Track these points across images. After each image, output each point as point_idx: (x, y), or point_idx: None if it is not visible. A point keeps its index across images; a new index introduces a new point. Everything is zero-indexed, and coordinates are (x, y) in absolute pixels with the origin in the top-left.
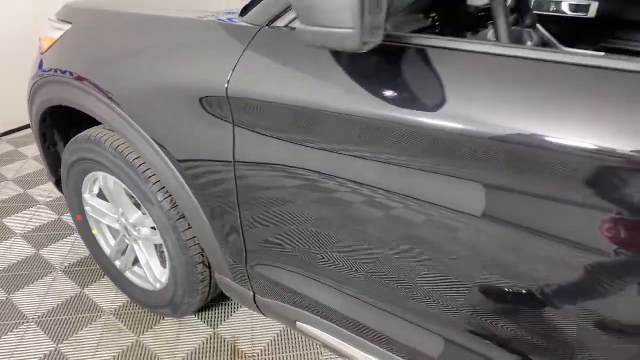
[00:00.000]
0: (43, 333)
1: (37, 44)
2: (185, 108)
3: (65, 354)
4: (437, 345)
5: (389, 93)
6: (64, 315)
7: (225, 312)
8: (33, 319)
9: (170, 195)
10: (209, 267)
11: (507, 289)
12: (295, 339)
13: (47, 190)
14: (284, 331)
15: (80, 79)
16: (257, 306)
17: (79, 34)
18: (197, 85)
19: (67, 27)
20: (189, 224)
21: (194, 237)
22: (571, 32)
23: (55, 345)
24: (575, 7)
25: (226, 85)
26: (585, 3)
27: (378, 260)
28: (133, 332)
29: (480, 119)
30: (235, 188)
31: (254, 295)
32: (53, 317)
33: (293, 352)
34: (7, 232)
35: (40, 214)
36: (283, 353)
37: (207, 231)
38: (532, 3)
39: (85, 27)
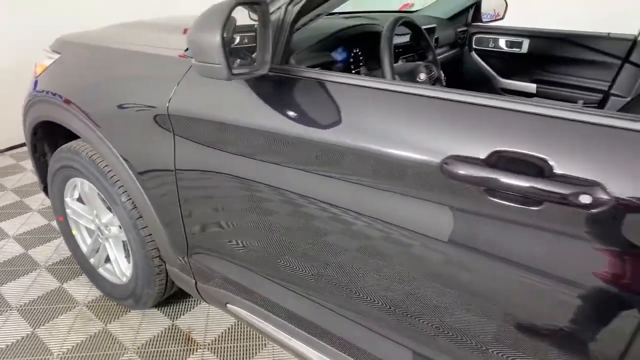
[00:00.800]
0: (23, 319)
1: (34, 69)
2: (143, 126)
3: (40, 337)
4: (358, 332)
5: (280, 112)
6: (42, 305)
7: (185, 307)
8: (15, 307)
9: (131, 198)
10: (164, 261)
11: (420, 288)
12: (243, 332)
13: (41, 199)
14: (235, 325)
15: (64, 100)
16: (198, 292)
17: (65, 62)
18: (151, 106)
19: (57, 56)
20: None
21: (150, 234)
22: (509, 65)
23: (32, 330)
24: (510, 43)
25: (167, 105)
26: (519, 40)
27: (292, 250)
28: (101, 321)
29: (338, 134)
30: (177, 190)
31: (196, 283)
32: (33, 306)
33: (239, 342)
34: (1, 234)
35: (32, 219)
36: (231, 343)
37: (159, 228)
38: (473, 40)
39: (70, 57)
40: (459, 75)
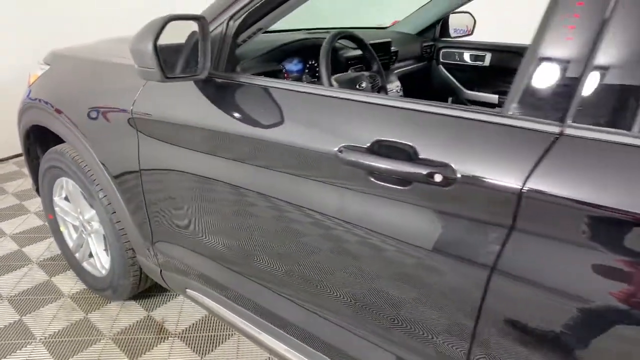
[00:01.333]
0: (11, 307)
1: (27, 79)
2: (114, 127)
3: (26, 323)
4: (304, 315)
5: (224, 113)
6: (30, 296)
7: (161, 300)
8: (6, 297)
9: (106, 195)
10: (135, 252)
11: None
12: (211, 323)
13: (38, 202)
14: (205, 317)
15: (51, 106)
16: (162, 279)
17: (53, 73)
18: (121, 109)
19: (47, 67)
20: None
21: (123, 228)
22: (473, 78)
23: (19, 317)
24: (474, 57)
25: (132, 107)
26: (482, 54)
27: (238, 237)
28: (83, 311)
29: (270, 131)
30: (141, 185)
31: (160, 271)
32: (22, 296)
33: (207, 332)
34: (0, 233)
35: (29, 220)
36: (199, 333)
37: (129, 221)
38: (440, 54)
39: (58, 68)
40: (427, 86)
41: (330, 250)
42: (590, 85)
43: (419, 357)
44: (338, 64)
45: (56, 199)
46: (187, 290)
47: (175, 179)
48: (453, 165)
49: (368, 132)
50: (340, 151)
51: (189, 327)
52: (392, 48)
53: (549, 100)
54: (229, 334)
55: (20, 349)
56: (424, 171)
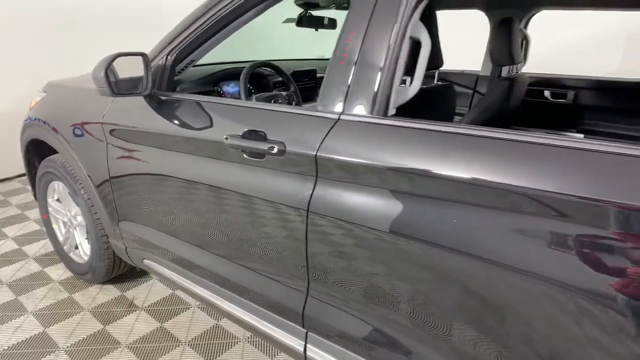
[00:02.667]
0: (10, 290)
1: (29, 104)
2: (90, 134)
3: (20, 301)
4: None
5: (163, 119)
6: (26, 282)
7: (134, 283)
8: (5, 283)
9: (86, 191)
10: (108, 236)
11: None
12: (174, 299)
13: (37, 212)
14: (170, 295)
15: (46, 123)
16: (127, 255)
17: (48, 98)
18: (94, 122)
19: (44, 94)
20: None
21: (99, 218)
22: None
23: (15, 297)
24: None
25: (102, 118)
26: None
27: (181, 212)
28: (68, 292)
29: (196, 130)
30: (109, 179)
31: (125, 248)
32: (19, 282)
33: (169, 306)
34: (2, 236)
35: (28, 226)
36: (162, 307)
37: (102, 210)
38: None
39: (52, 94)
40: None
41: (226, 210)
42: (353, 89)
43: (280, 293)
44: (267, 87)
45: (49, 200)
46: (144, 260)
47: (132, 169)
48: (285, 143)
49: (243, 125)
50: (227, 138)
51: (155, 302)
52: (319, 74)
53: (333, 98)
54: (186, 307)
55: (14, 319)
56: (267, 146)
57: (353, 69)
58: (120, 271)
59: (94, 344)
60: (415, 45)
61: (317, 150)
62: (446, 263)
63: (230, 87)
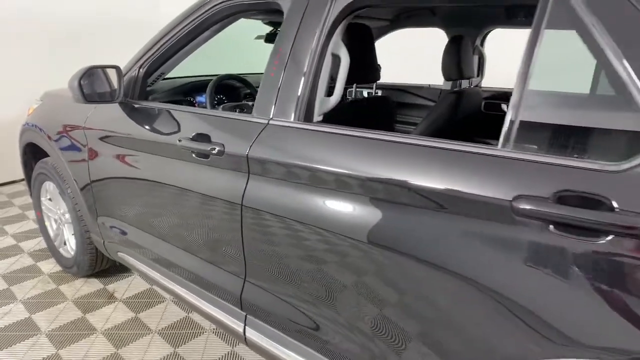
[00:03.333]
0: (3, 280)
1: (27, 111)
2: (72, 138)
3: (12, 290)
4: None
5: (134, 123)
6: (19, 274)
7: (116, 278)
8: (0, 275)
9: (71, 190)
10: (89, 231)
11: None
12: (151, 293)
13: None
14: (147, 290)
15: (40, 129)
16: (105, 248)
17: (43, 106)
18: (77, 125)
19: (40, 102)
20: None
21: (82, 215)
22: None
23: (7, 286)
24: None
25: (84, 123)
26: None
27: (152, 208)
28: (56, 284)
29: (160, 134)
30: (89, 176)
31: (104, 241)
32: (12, 274)
33: (146, 299)
34: (2, 233)
35: (27, 224)
36: (140, 299)
37: (84, 207)
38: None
39: (47, 103)
40: None
41: (179, 205)
42: (280, 99)
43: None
44: (238, 97)
45: (43, 199)
46: (119, 253)
47: (107, 168)
48: (224, 144)
49: (194, 130)
50: (180, 140)
51: (132, 295)
52: None
53: (265, 106)
54: (161, 300)
55: (4, 306)
56: (209, 147)
57: (281, 81)
58: (104, 266)
59: (72, 329)
60: (337, 61)
61: (249, 151)
62: (355, 250)
63: (201, 97)
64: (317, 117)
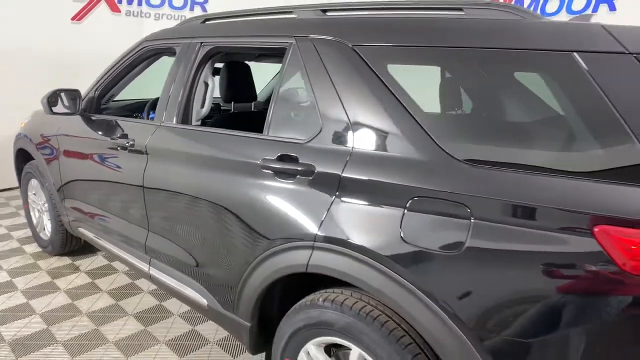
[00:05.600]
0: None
1: (20, 125)
2: (51, 145)
3: (1, 265)
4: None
5: (91, 129)
6: (7, 253)
7: (84, 256)
8: None
9: (47, 182)
10: (60, 214)
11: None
12: (109, 267)
13: None
14: (107, 265)
15: (28, 138)
16: (70, 227)
17: (32, 120)
18: (51, 135)
19: (30, 118)
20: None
21: (55, 201)
22: None
23: None
24: None
25: (57, 132)
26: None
27: (101, 191)
28: (34, 260)
29: (105, 136)
30: (59, 169)
31: (69, 221)
32: (1, 253)
33: (104, 270)
34: (4, 233)
35: (19, 219)
36: (99, 271)
37: (55, 195)
38: None
39: (34, 118)
40: None
41: (113, 186)
42: (169, 109)
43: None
44: None
45: (29, 193)
46: (79, 228)
47: (70, 162)
48: (134, 140)
49: (121, 132)
50: (113, 139)
51: (94, 268)
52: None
53: (160, 113)
54: (115, 271)
55: None
56: (126, 143)
57: (169, 97)
58: (73, 247)
59: (42, 288)
60: (206, 86)
61: (146, 142)
62: (206, 203)
63: (142, 113)
64: (194, 121)
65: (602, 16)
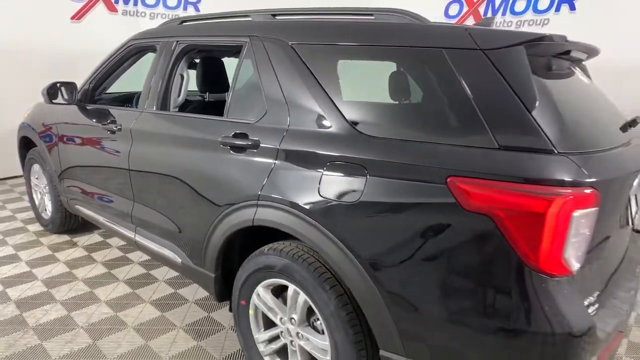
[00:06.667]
0: (1, 235)
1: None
2: (51, 132)
3: (6, 240)
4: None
5: (85, 117)
6: (12, 232)
7: (81, 234)
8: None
9: (48, 165)
10: (59, 194)
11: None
12: (104, 243)
13: None
14: (101, 241)
15: (31, 127)
16: (68, 205)
17: (33, 111)
18: (52, 123)
19: (32, 109)
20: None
21: (54, 181)
22: None
23: (2, 237)
24: None
25: (56, 120)
26: None
27: (93, 169)
28: (37, 237)
29: (97, 122)
30: (58, 152)
31: (67, 200)
32: (7, 231)
33: (100, 246)
34: (4, 208)
35: (23, 204)
36: (95, 246)
37: (54, 176)
38: None
39: (36, 109)
40: None
41: (104, 165)
42: (150, 98)
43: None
44: None
45: (32, 178)
46: (76, 206)
47: (68, 145)
48: (122, 124)
49: (110, 118)
50: (103, 124)
51: (90, 243)
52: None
53: (142, 102)
54: (109, 246)
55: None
56: (114, 127)
57: (150, 87)
58: (71, 225)
59: (43, 259)
60: (181, 78)
61: (131, 126)
62: (174, 180)
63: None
64: (172, 108)
65: (564, 15)
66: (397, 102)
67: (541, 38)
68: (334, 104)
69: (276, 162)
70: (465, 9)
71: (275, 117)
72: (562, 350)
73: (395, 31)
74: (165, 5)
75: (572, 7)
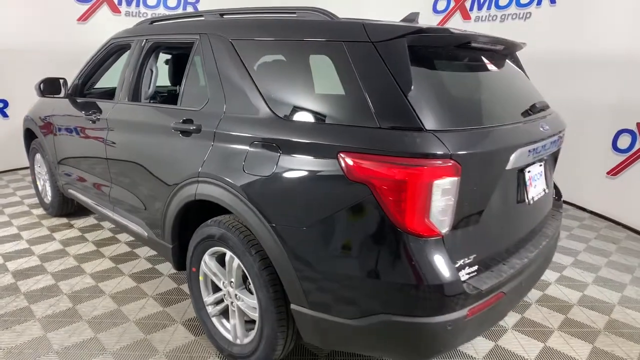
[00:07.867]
0: (8, 218)
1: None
2: (49, 122)
3: (12, 221)
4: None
5: (75, 109)
6: (18, 215)
7: (79, 217)
8: (7, 215)
9: (47, 154)
10: (57, 181)
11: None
12: (98, 226)
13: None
14: (96, 224)
15: (33, 119)
16: (63, 189)
17: (36, 105)
18: (48, 115)
19: (35, 103)
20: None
21: (52, 168)
22: None
23: (9, 219)
24: None
25: (51, 113)
26: None
27: (84, 156)
28: (39, 220)
29: (83, 112)
30: (53, 141)
31: (63, 184)
32: (14, 214)
33: (94, 228)
34: (14, 195)
35: (31, 191)
36: (90, 229)
37: (54, 165)
38: None
39: (38, 103)
40: None
41: (89, 151)
42: (123, 91)
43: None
44: None
45: (35, 166)
46: (69, 190)
47: (62, 135)
48: (99, 115)
49: (94, 109)
50: (88, 114)
51: (86, 226)
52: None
53: (118, 94)
54: (102, 228)
55: (5, 228)
56: (97, 117)
57: (123, 80)
58: (69, 210)
59: (42, 238)
60: (152, 72)
61: (107, 116)
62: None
63: None
64: (144, 100)
65: (545, 8)
66: (309, 90)
67: (419, 30)
68: (260, 92)
69: (213, 143)
70: (452, 4)
71: (214, 105)
72: (427, 297)
73: (307, 27)
74: (166, 6)
75: (553, 1)
